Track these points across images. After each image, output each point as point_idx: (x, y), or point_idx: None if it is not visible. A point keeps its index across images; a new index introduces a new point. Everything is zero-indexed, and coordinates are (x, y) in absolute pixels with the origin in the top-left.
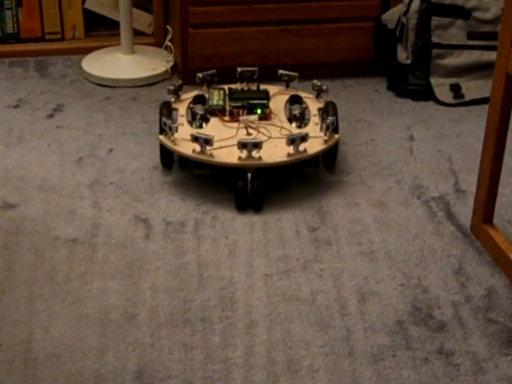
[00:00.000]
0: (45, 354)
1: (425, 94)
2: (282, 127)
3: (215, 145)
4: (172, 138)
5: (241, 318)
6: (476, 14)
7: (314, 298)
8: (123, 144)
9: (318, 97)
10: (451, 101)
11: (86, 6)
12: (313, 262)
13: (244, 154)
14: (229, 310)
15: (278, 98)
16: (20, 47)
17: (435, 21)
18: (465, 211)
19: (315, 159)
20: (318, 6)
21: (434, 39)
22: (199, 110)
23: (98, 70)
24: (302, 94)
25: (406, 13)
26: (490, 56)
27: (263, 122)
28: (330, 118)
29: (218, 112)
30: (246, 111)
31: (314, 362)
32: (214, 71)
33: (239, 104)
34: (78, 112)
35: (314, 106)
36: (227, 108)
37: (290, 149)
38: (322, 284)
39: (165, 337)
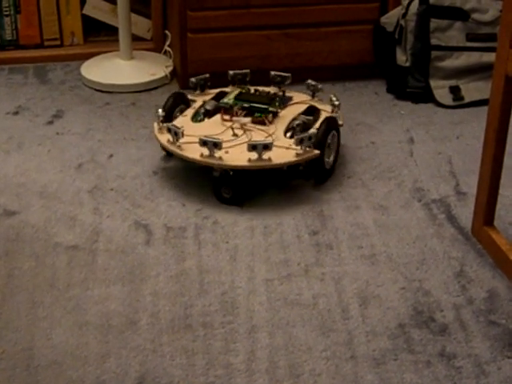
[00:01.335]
0: (46, 361)
1: (424, 96)
2: (269, 135)
3: (187, 139)
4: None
5: (242, 323)
6: (475, 15)
7: (316, 302)
8: (123, 150)
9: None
10: (451, 103)
11: (85, 11)
12: (314, 266)
13: (206, 151)
14: (230, 315)
15: (296, 107)
16: (19, 54)
17: (434, 23)
18: (465, 213)
19: (306, 172)
20: (317, 9)
21: (433, 41)
22: (209, 105)
23: (98, 76)
24: (321, 106)
25: (404, 15)
26: (489, 57)
27: (257, 126)
28: (309, 132)
29: (223, 110)
30: (244, 112)
31: (316, 366)
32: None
33: (244, 105)
34: (78, 118)
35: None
36: (235, 108)
37: (254, 155)
38: (323, 288)
39: (166, 343)
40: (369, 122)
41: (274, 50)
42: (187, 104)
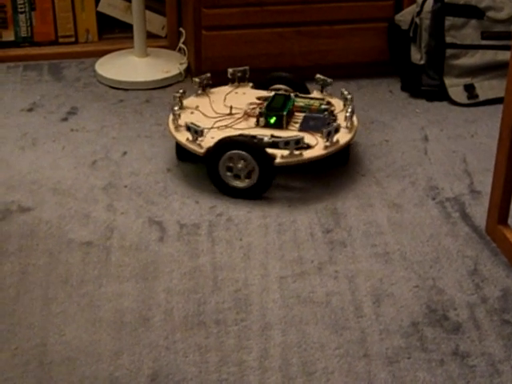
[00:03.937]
0: (59, 358)
1: (439, 94)
2: (226, 125)
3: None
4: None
5: (255, 321)
6: (490, 13)
7: (329, 300)
8: (137, 147)
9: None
10: (465, 101)
11: (100, 9)
12: (327, 263)
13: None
14: (243, 312)
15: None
16: (34, 51)
17: (449, 21)
18: (480, 212)
19: None
20: (331, 7)
21: (448, 39)
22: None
23: (112, 73)
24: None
25: (419, 13)
26: (504, 55)
27: (248, 121)
28: (201, 130)
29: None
30: (262, 105)
31: (328, 364)
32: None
33: (267, 100)
34: (92, 115)
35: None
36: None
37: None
38: (336, 286)
39: (179, 339)
40: (383, 120)
41: (288, 48)
42: (299, 91)
